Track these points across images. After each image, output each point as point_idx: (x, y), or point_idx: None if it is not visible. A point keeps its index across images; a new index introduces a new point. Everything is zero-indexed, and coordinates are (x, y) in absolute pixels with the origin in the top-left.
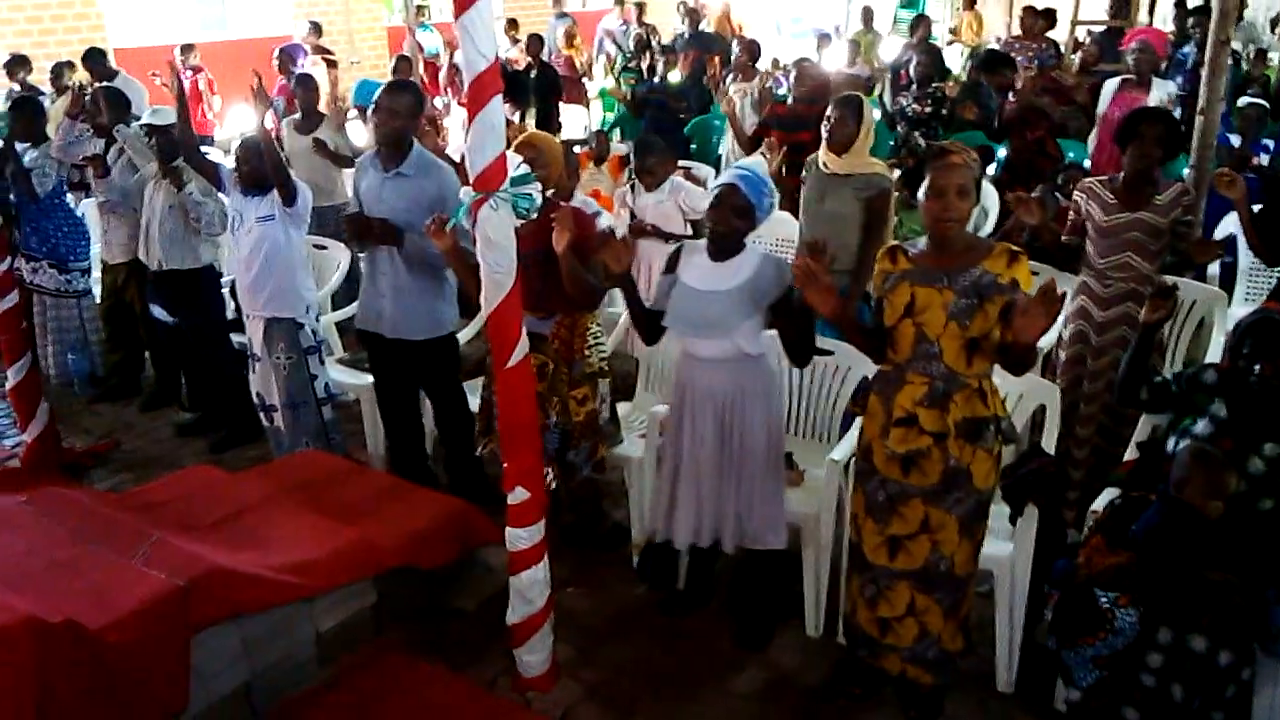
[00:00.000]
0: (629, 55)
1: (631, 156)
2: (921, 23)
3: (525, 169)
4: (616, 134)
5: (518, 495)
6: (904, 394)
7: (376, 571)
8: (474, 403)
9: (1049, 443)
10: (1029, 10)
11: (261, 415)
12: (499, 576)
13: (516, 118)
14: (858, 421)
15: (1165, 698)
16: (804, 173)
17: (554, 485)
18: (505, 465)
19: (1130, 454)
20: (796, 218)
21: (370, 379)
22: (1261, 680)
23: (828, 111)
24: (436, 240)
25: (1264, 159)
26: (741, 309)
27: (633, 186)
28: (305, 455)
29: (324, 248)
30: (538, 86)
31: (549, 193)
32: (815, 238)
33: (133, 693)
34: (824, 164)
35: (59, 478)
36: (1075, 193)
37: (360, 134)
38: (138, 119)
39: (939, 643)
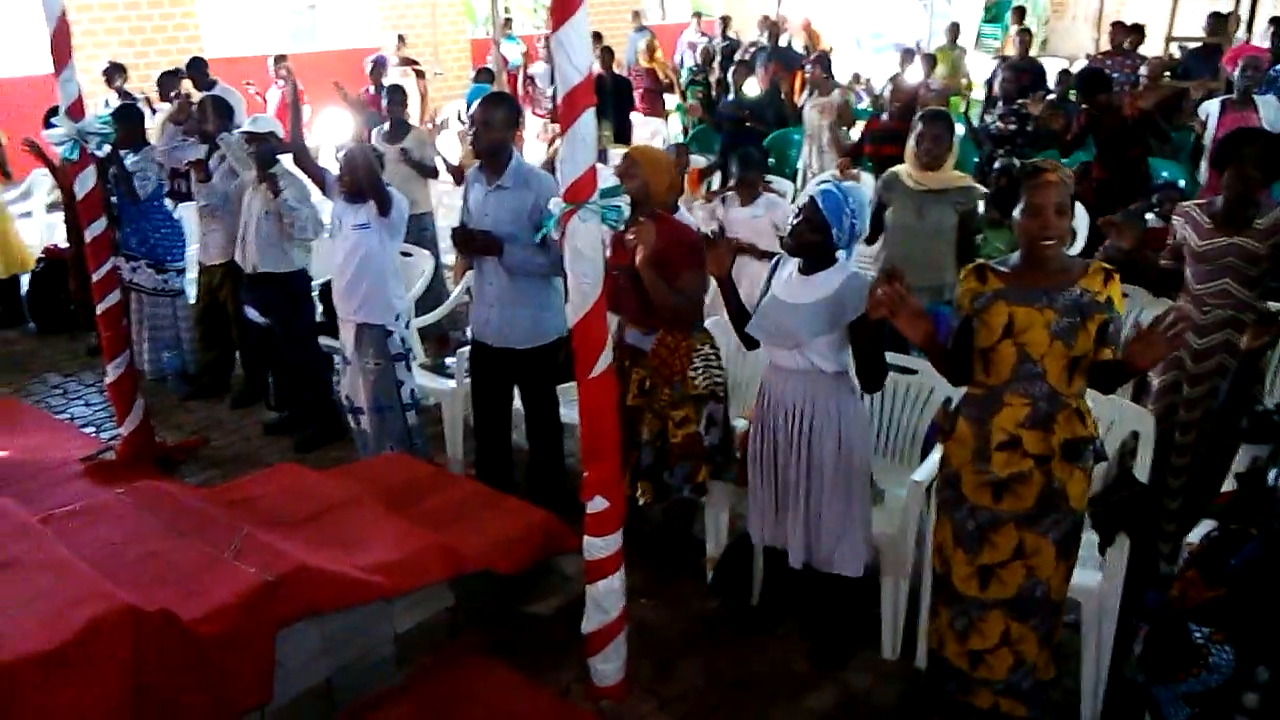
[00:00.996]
0: (695, 69)
1: (735, 168)
2: (1021, 37)
3: (614, 180)
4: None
5: (596, 505)
6: (1004, 417)
7: (455, 574)
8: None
9: (1142, 470)
10: (1119, 26)
11: (349, 418)
12: (574, 584)
13: None
14: (937, 447)
15: None
16: (880, 191)
17: (643, 501)
18: (585, 474)
19: (1229, 485)
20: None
21: (452, 384)
22: None
23: (917, 129)
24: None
25: None
26: (818, 324)
27: (724, 199)
28: (389, 458)
29: (409, 255)
30: (612, 99)
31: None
32: (907, 260)
33: (221, 684)
34: (915, 182)
35: (153, 471)
36: (1174, 216)
37: (455, 147)
38: (238, 127)
39: (1034, 672)
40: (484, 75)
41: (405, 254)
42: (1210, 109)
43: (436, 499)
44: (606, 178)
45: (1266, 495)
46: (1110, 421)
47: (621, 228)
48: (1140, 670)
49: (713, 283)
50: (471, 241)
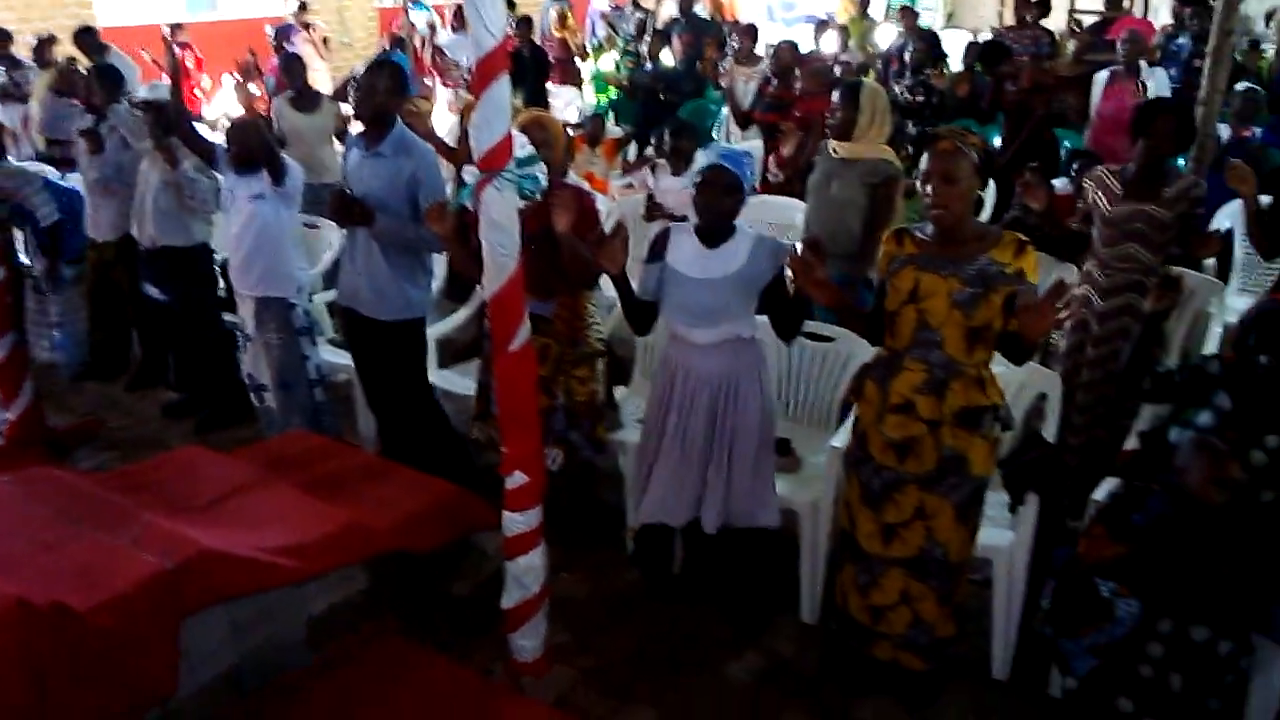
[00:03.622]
0: (629, 39)
1: (667, 136)
2: (906, 14)
3: (530, 150)
4: (610, 118)
5: (516, 479)
6: (901, 380)
7: (369, 555)
8: (469, 385)
9: (1050, 431)
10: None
11: (252, 395)
12: (493, 561)
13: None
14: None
15: (1163, 687)
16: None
17: (556, 466)
18: (504, 449)
19: (1131, 444)
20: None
21: None
22: (1258, 668)
23: (832, 98)
24: (436, 225)
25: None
26: (741, 295)
27: (653, 168)
28: (296, 436)
29: (316, 227)
30: (530, 68)
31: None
32: (819, 226)
33: (123, 677)
34: (834, 149)
35: (44, 456)
36: (1085, 181)
37: None
38: (129, 96)
39: (932, 629)
40: (398, 44)
41: (313, 225)
42: (1099, 79)
43: (346, 477)
44: (522, 146)
45: (1167, 452)
46: (1019, 385)
47: (539, 197)
48: (1049, 624)
49: None
50: (350, 211)
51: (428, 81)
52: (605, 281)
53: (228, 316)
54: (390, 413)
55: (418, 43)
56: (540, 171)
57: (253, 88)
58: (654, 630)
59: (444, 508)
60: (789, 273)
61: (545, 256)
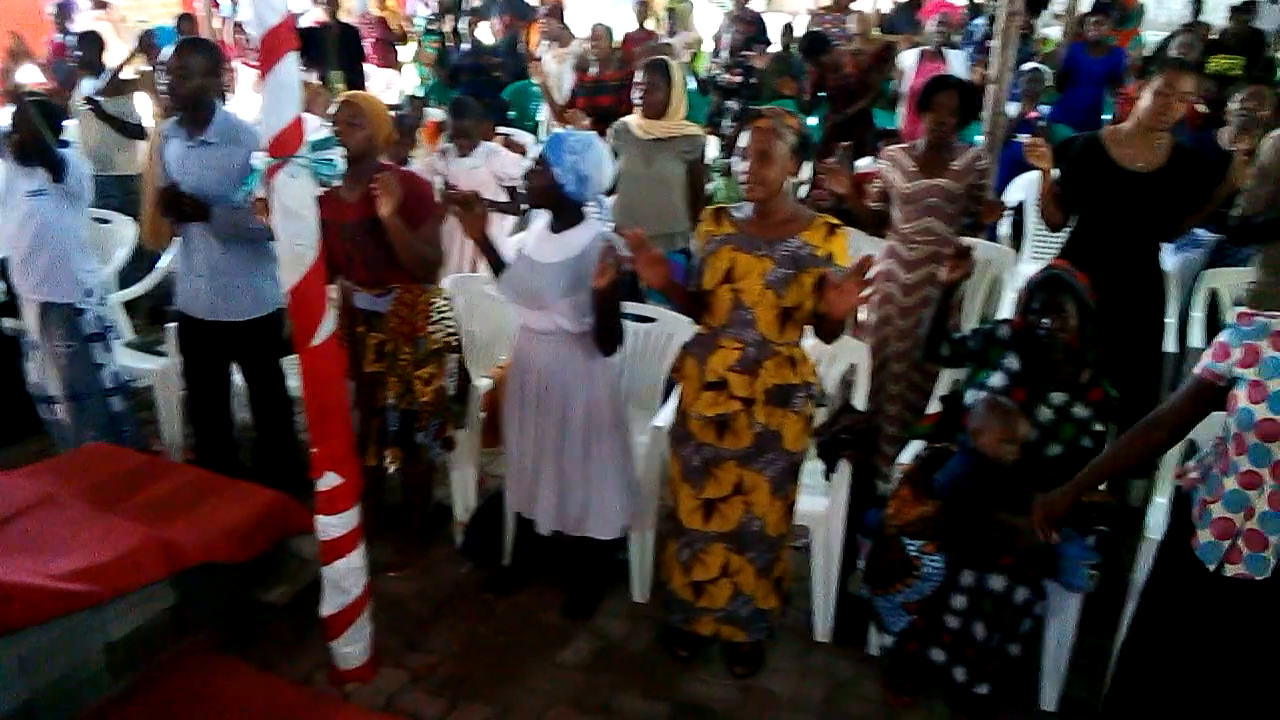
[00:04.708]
0: (431, 17)
1: (449, 118)
2: None
3: (325, 132)
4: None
5: (328, 481)
6: (717, 358)
7: (174, 571)
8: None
9: (860, 400)
10: None
11: (41, 407)
12: (313, 566)
13: (314, 78)
14: (675, 390)
15: (968, 636)
16: (611, 140)
17: (393, 468)
18: (314, 450)
19: (933, 408)
20: None
21: (164, 362)
22: (1051, 613)
23: (636, 78)
24: (264, 218)
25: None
26: (563, 284)
27: (443, 152)
28: (92, 449)
29: (108, 221)
30: (340, 48)
31: (381, 157)
32: (643, 208)
33: None
34: (643, 131)
35: None
36: (880, 159)
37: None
38: None
39: (752, 601)
40: (185, 23)
41: (104, 220)
42: (907, 60)
43: (149, 490)
44: (316, 129)
45: (964, 414)
46: (830, 357)
47: (338, 183)
48: (864, 584)
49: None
50: (180, 206)
51: (233, 63)
52: None
53: (9, 322)
54: (214, 420)
55: (217, 21)
56: (337, 155)
57: (29, 69)
58: (485, 624)
59: (258, 515)
60: (597, 272)
61: (375, 245)
